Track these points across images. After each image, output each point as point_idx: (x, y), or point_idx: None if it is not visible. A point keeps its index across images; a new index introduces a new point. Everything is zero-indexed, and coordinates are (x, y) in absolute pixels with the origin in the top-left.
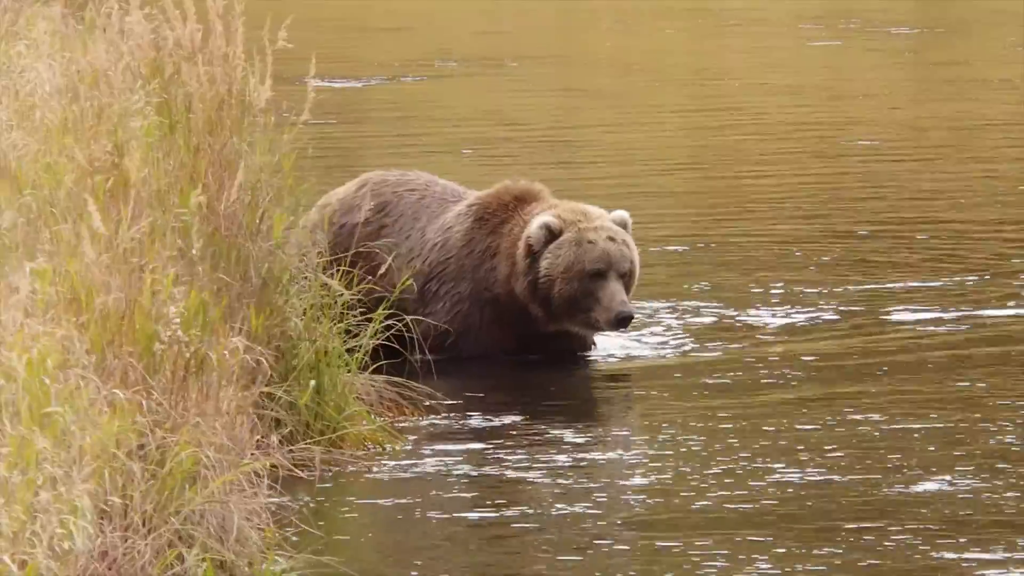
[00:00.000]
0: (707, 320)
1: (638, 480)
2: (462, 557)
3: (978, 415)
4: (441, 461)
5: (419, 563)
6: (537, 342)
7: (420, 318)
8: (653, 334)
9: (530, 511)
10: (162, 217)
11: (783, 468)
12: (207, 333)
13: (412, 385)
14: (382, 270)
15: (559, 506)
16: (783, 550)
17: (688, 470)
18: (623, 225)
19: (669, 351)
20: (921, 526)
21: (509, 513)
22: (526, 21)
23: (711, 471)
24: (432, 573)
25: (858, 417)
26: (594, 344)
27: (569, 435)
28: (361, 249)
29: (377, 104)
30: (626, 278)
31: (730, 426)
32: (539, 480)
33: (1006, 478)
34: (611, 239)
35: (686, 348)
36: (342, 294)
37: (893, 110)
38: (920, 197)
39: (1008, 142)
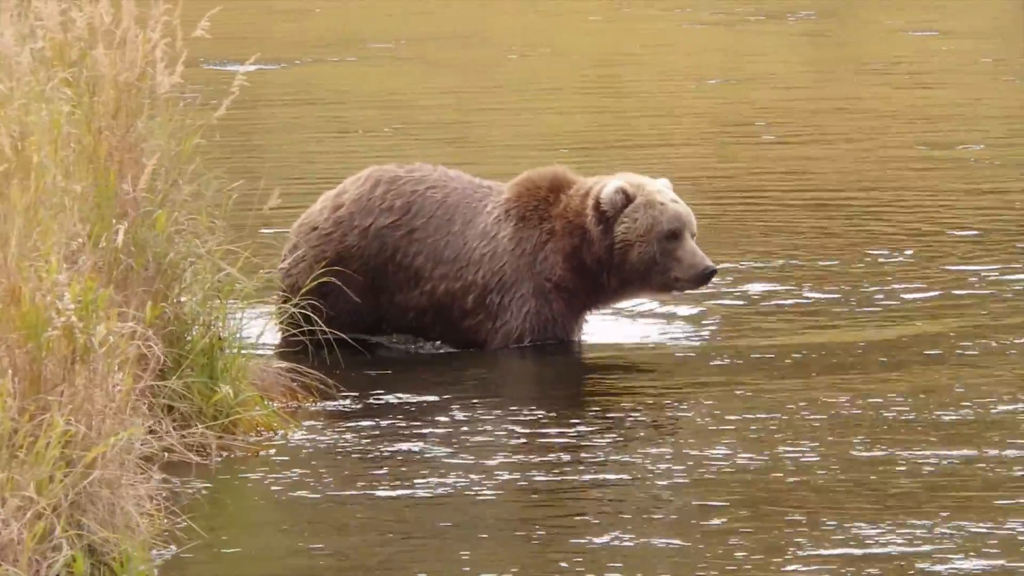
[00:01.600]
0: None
1: (539, 458)
2: (352, 542)
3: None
4: (333, 446)
5: (309, 548)
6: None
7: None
8: None
9: (423, 494)
10: (60, 202)
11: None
12: (95, 320)
13: (306, 371)
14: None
15: (453, 487)
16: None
17: (583, 443)
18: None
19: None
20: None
21: (401, 497)
22: (427, 5)
23: (598, 447)
24: (323, 558)
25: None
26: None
27: (465, 418)
28: (394, 254)
29: (278, 87)
30: (694, 237)
31: (648, 400)
32: (435, 462)
33: None
34: (675, 200)
35: (594, 326)
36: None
37: (789, 90)
38: (816, 176)
39: (902, 124)
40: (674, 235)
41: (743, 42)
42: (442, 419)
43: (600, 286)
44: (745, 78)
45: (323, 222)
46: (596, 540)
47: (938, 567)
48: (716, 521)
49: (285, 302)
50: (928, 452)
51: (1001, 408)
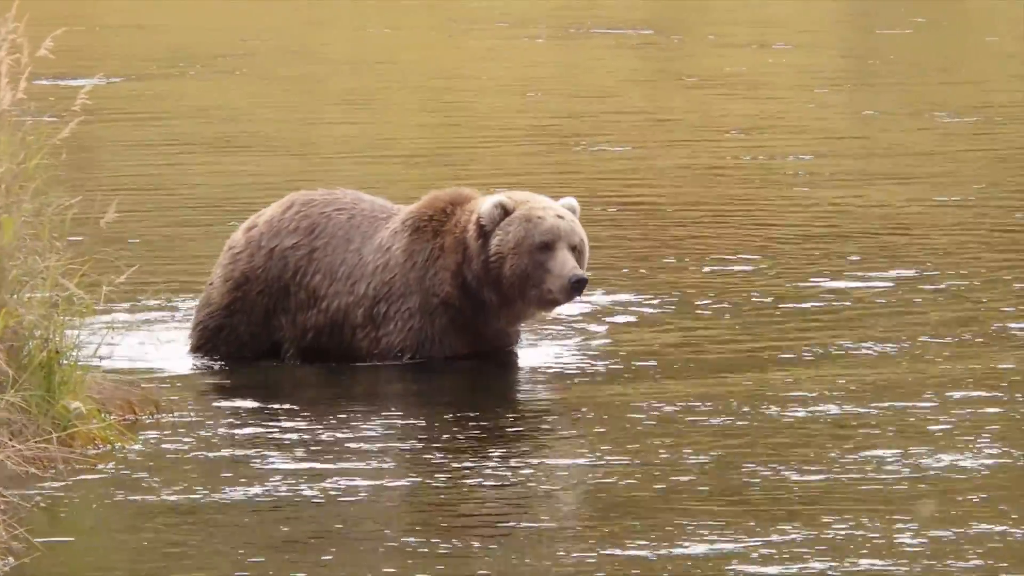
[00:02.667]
0: None
1: (380, 465)
2: (191, 551)
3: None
4: (171, 457)
5: (148, 559)
6: (485, 348)
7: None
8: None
9: (261, 501)
10: None
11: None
12: None
13: (146, 384)
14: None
15: (292, 494)
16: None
17: (429, 449)
18: (571, 210)
19: None
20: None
21: (239, 504)
22: (264, 20)
23: (444, 453)
24: (163, 569)
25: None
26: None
27: (307, 426)
28: (294, 275)
29: (116, 102)
30: (576, 251)
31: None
32: (273, 470)
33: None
34: (559, 216)
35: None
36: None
37: (620, 102)
38: (642, 186)
39: (729, 135)
40: (547, 247)
41: (576, 56)
42: (281, 426)
43: (483, 303)
44: (577, 91)
45: (237, 242)
46: (419, 543)
47: (764, 570)
48: (550, 523)
49: (200, 317)
50: (758, 459)
51: (833, 412)
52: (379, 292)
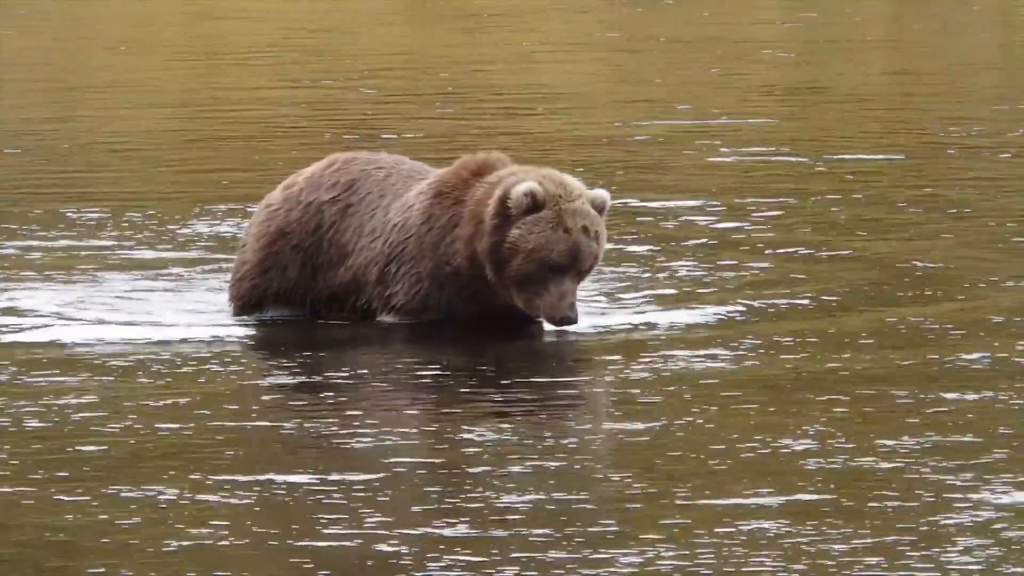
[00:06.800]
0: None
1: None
2: None
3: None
4: None
5: None
6: (495, 312)
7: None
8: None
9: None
10: None
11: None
12: None
13: None
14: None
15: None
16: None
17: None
18: (601, 207)
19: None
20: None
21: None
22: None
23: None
24: None
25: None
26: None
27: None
28: (328, 230)
29: None
30: (583, 275)
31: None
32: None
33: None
34: (585, 229)
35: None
36: None
37: (378, 40)
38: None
39: (500, 68)
40: (558, 269)
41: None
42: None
43: (487, 279)
44: (331, 28)
45: (275, 199)
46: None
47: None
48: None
49: (234, 275)
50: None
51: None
52: (393, 251)
